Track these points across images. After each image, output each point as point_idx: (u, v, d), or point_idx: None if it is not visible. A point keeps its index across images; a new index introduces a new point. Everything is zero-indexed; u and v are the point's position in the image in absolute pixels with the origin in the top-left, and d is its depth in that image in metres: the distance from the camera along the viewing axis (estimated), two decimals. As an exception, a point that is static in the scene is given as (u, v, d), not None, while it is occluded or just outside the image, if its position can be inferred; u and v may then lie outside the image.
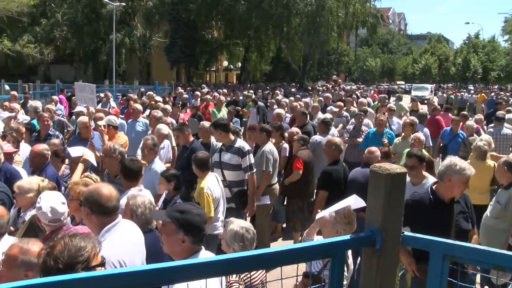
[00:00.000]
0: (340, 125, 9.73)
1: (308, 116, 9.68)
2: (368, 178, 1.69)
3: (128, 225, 2.98)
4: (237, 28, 36.98)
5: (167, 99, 15.33)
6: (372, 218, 1.64)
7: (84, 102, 7.00)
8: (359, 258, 3.97)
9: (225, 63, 49.52)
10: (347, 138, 8.70)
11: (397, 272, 4.84)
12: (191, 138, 6.70)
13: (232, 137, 5.86)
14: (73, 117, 9.95)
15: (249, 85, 33.43)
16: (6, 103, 10.32)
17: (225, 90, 21.32)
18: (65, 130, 9.17)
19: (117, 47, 33.56)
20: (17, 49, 32.05)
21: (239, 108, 13.68)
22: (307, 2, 35.10)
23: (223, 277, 2.81)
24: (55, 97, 13.99)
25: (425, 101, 25.77)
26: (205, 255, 2.55)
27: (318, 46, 38.74)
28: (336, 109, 11.22)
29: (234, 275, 3.06)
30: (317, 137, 7.85)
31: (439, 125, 10.69)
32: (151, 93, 16.02)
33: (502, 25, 50.67)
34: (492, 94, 30.70)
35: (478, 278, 4.58)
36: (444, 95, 31.00)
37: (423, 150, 6.23)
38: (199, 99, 14.68)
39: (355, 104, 13.67)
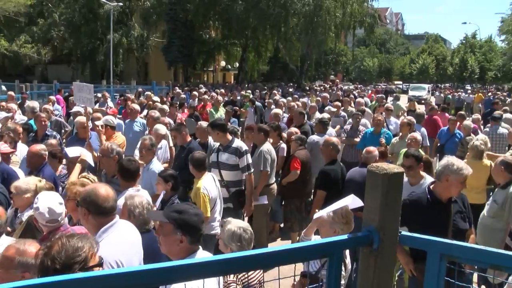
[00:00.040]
0: (338, 126, 9.74)
1: (306, 116, 9.69)
2: (365, 177, 1.70)
3: (125, 226, 2.98)
4: (234, 28, 37.00)
5: (165, 99, 15.33)
6: (370, 217, 1.64)
7: (82, 102, 6.99)
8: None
9: (223, 63, 49.52)
10: (344, 138, 8.70)
11: (395, 271, 4.85)
12: (189, 138, 6.70)
13: (229, 137, 5.86)
14: (71, 117, 9.93)
15: (246, 85, 33.42)
16: (3, 103, 10.28)
17: (222, 90, 21.32)
18: (63, 130, 9.15)
19: (115, 47, 33.52)
20: (14, 49, 31.93)
21: (237, 108, 13.68)
22: (305, 2, 35.14)
23: (221, 277, 2.80)
24: (52, 97, 13.96)
25: (422, 101, 25.82)
26: (203, 255, 2.55)
27: (315, 46, 38.77)
28: (334, 109, 11.23)
29: (232, 275, 3.06)
30: (314, 137, 7.85)
31: (436, 125, 10.72)
32: (149, 93, 15.99)
33: (498, 25, 50.81)
34: (489, 94, 30.79)
35: (475, 277, 4.59)
36: (442, 95, 31.06)
37: (420, 150, 6.24)
38: (196, 99, 14.67)
39: (352, 104, 13.68)
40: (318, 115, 10.13)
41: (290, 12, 35.33)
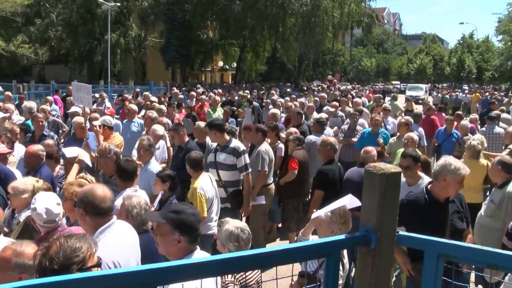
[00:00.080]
0: (335, 128, 9.73)
1: (304, 116, 9.69)
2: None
3: (122, 226, 2.98)
4: (232, 28, 37.01)
5: (162, 99, 15.32)
6: (367, 217, 1.64)
7: (81, 102, 6.99)
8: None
9: (221, 63, 49.54)
10: (341, 138, 8.71)
11: (392, 271, 4.86)
12: (186, 138, 6.70)
13: (227, 137, 5.86)
14: (69, 118, 9.92)
15: (244, 85, 33.44)
16: (0, 104, 10.26)
17: (220, 90, 21.31)
18: (60, 131, 9.15)
19: (112, 47, 33.51)
20: (11, 49, 31.88)
21: (235, 108, 13.68)
22: (302, 2, 35.16)
23: (218, 278, 2.80)
24: (50, 98, 13.95)
25: (420, 101, 25.84)
26: (200, 255, 2.55)
27: (313, 46, 38.81)
28: (332, 109, 11.24)
29: (230, 276, 3.06)
30: (312, 137, 7.85)
31: (434, 124, 10.74)
32: (147, 93, 15.98)
33: (495, 25, 50.90)
34: (487, 94, 30.88)
35: (472, 277, 4.60)
36: (439, 95, 31.12)
37: (417, 150, 6.25)
38: (194, 99, 14.67)
39: (350, 104, 13.69)
40: (315, 115, 10.13)
41: (287, 12, 35.35)
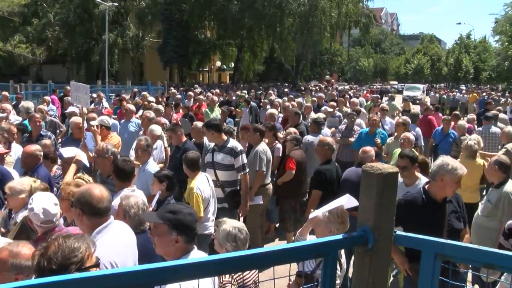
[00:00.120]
0: (333, 129, 9.72)
1: (301, 116, 9.68)
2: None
3: (120, 226, 2.97)
4: (230, 28, 36.99)
5: (160, 99, 15.30)
6: (364, 217, 1.64)
7: (79, 102, 6.99)
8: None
9: (218, 63, 49.51)
10: (339, 138, 8.72)
11: (390, 271, 4.86)
12: (184, 139, 6.70)
13: (224, 137, 5.86)
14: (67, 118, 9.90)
15: (242, 85, 33.43)
16: (-3, 104, 10.23)
17: (217, 90, 21.29)
18: (58, 131, 9.13)
19: (110, 47, 33.46)
20: (8, 49, 31.80)
21: (232, 108, 13.68)
22: (300, 2, 35.16)
23: (216, 278, 2.81)
24: (47, 98, 13.90)
25: (417, 101, 25.87)
26: (197, 255, 2.55)
27: (311, 46, 38.83)
28: (330, 109, 11.24)
29: (227, 276, 3.06)
30: (309, 137, 7.86)
31: (431, 125, 10.76)
32: (145, 93, 15.97)
33: (492, 25, 51.05)
34: (484, 94, 30.95)
35: (469, 276, 4.61)
36: (437, 95, 31.17)
37: (413, 150, 6.25)
38: (192, 99, 14.65)
39: (348, 104, 13.71)
40: (313, 115, 10.13)
41: (285, 12, 35.35)
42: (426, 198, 3.73)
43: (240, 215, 6.03)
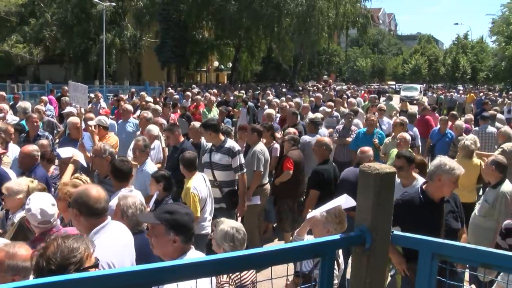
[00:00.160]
0: (331, 130, 9.73)
1: (299, 116, 9.69)
2: (358, 177, 1.70)
3: (117, 227, 2.97)
4: (227, 28, 36.98)
5: (158, 99, 15.29)
6: (362, 217, 1.64)
7: (77, 102, 6.99)
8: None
9: (216, 63, 49.49)
10: (336, 138, 8.72)
11: (388, 271, 4.87)
12: (182, 139, 6.69)
13: (222, 137, 5.86)
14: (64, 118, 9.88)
15: (240, 85, 33.43)
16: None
17: (215, 90, 21.28)
18: (55, 131, 9.11)
19: (108, 47, 33.40)
20: (5, 49, 31.70)
21: (230, 108, 13.67)
22: (298, 2, 35.18)
23: (213, 278, 2.80)
24: (44, 98, 13.88)
25: (414, 102, 25.91)
26: (195, 255, 2.55)
27: (308, 46, 38.84)
28: (328, 110, 11.25)
29: (225, 276, 3.06)
30: (306, 137, 7.86)
31: (428, 125, 10.79)
32: (143, 93, 15.97)
33: (489, 26, 51.22)
34: (481, 94, 31.01)
35: (467, 276, 4.62)
36: (434, 95, 31.24)
37: (410, 150, 6.27)
38: (190, 99, 14.64)
39: (345, 105, 13.72)
40: (311, 115, 10.13)
41: (283, 12, 35.37)
42: (423, 198, 3.74)
43: (238, 215, 6.03)
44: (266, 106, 12.95)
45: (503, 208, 4.76)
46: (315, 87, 31.37)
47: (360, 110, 12.49)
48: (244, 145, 7.09)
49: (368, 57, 73.12)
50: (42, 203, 3.17)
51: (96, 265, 2.02)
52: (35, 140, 6.56)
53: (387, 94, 18.50)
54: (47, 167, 5.51)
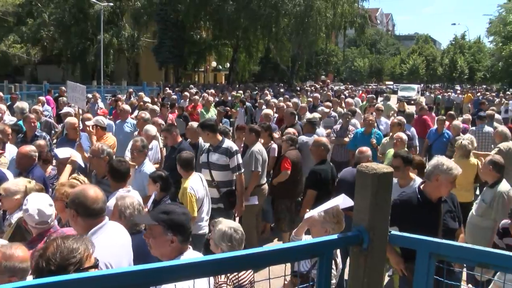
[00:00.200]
0: (329, 130, 9.74)
1: (297, 116, 9.68)
2: (356, 178, 1.70)
3: (115, 227, 2.96)
4: (225, 28, 36.95)
5: (156, 99, 15.28)
6: (359, 217, 1.65)
7: (75, 102, 6.98)
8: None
9: (214, 64, 49.48)
10: (333, 138, 8.73)
11: (385, 271, 4.87)
12: (179, 139, 6.69)
13: (219, 137, 5.86)
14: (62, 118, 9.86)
15: (237, 86, 33.42)
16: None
17: (213, 91, 21.28)
18: (53, 131, 9.10)
19: (105, 47, 33.35)
20: (2, 49, 31.65)
21: (228, 108, 13.67)
22: (296, 2, 35.18)
23: (211, 278, 2.80)
24: (42, 98, 13.85)
25: (412, 102, 25.92)
26: (192, 255, 2.55)
27: (306, 47, 38.84)
28: (327, 110, 11.25)
29: (223, 276, 3.06)
30: (303, 137, 7.85)
31: (426, 125, 10.80)
32: (141, 94, 15.96)
33: (487, 26, 51.29)
34: (478, 94, 31.09)
35: (464, 275, 4.63)
36: (432, 95, 31.29)
37: (406, 149, 6.27)
38: (187, 99, 14.64)
39: (343, 105, 13.73)
40: (308, 115, 10.13)
41: (281, 13, 35.35)
42: (421, 198, 3.74)
43: (236, 215, 6.03)
44: (264, 106, 12.95)
45: (500, 207, 4.77)
46: (313, 87, 31.34)
47: (358, 110, 12.50)
48: (242, 145, 7.09)
49: (366, 57, 73.21)
50: (39, 204, 3.16)
51: (95, 266, 2.02)
52: (33, 140, 6.55)
53: (384, 94, 18.56)
54: (44, 167, 5.49)
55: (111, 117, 10.61)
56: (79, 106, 6.90)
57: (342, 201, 3.05)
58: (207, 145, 6.09)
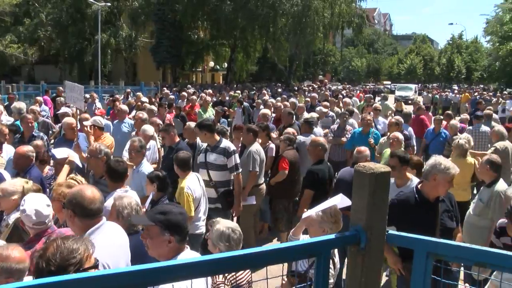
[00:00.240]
0: (326, 130, 9.75)
1: (294, 116, 9.68)
2: (354, 177, 1.70)
3: (112, 227, 2.96)
4: (223, 28, 36.93)
5: (153, 99, 15.26)
6: (357, 217, 1.65)
7: (73, 102, 6.96)
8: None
9: (211, 64, 49.45)
10: (331, 138, 8.73)
11: (383, 270, 4.87)
12: (177, 139, 6.68)
13: (217, 137, 5.86)
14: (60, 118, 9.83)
15: (235, 86, 33.41)
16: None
17: (211, 91, 21.26)
18: (50, 131, 9.08)
19: (103, 47, 33.32)
20: (-1, 49, 31.56)
21: (226, 108, 13.67)
22: (293, 2, 35.17)
23: (209, 278, 2.80)
24: (39, 98, 13.81)
25: (409, 101, 25.94)
26: (190, 255, 2.54)
27: (304, 46, 38.81)
28: (325, 110, 11.26)
29: (220, 276, 3.06)
30: (300, 137, 7.86)
31: (423, 124, 10.82)
32: (139, 94, 15.94)
33: (484, 26, 51.39)
34: (476, 94, 31.14)
35: (462, 275, 4.64)
36: (429, 95, 31.32)
37: (402, 149, 6.28)
38: (185, 99, 14.62)
39: (340, 104, 13.74)
40: (306, 115, 10.14)
41: (278, 13, 35.33)
42: (419, 198, 3.75)
43: (234, 215, 6.03)
44: (261, 106, 12.95)
45: (497, 207, 4.78)
46: (310, 87, 31.31)
47: (356, 110, 12.51)
48: (240, 145, 7.08)
49: (364, 57, 73.28)
50: (37, 204, 3.16)
51: (95, 266, 2.02)
52: (30, 140, 6.53)
53: (382, 94, 18.52)
54: (41, 168, 5.48)
55: (109, 117, 10.59)
56: (78, 106, 6.89)
57: (340, 200, 3.06)
58: (204, 145, 6.08)
